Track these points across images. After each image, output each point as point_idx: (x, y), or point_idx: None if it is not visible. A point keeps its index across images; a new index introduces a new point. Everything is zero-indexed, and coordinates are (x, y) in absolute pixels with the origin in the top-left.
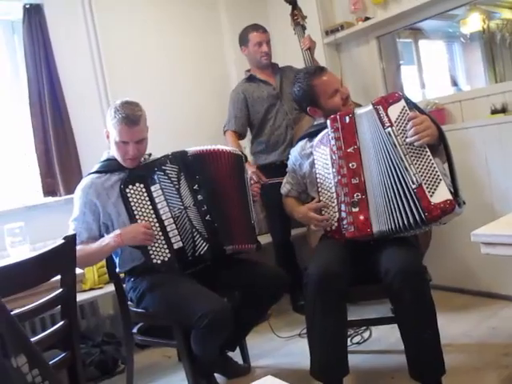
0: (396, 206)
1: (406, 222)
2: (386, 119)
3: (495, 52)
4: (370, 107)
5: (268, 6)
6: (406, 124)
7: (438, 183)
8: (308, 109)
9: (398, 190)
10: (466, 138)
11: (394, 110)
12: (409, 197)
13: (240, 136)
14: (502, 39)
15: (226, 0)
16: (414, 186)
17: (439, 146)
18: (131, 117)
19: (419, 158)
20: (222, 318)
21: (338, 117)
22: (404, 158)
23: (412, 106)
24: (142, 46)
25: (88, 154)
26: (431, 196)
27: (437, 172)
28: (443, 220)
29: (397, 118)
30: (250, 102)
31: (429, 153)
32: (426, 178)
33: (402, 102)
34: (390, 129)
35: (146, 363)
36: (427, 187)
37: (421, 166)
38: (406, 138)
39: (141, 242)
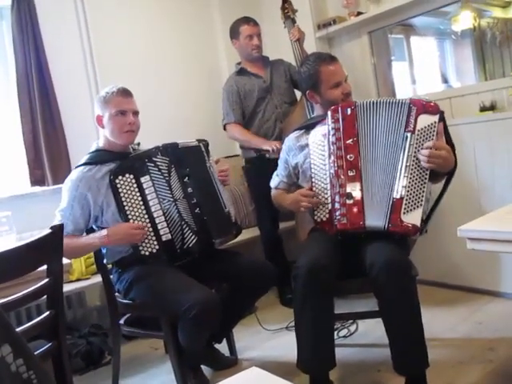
0: (376, 205)
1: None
2: (412, 123)
3: (485, 50)
4: (406, 102)
5: (260, 0)
6: (427, 139)
7: (417, 207)
8: (307, 92)
9: (383, 191)
10: (455, 134)
11: (424, 120)
12: (387, 202)
13: (240, 125)
14: (492, 37)
15: None
16: (395, 196)
17: (442, 176)
18: (126, 89)
19: (417, 175)
20: (209, 308)
21: (339, 108)
22: (404, 168)
23: (444, 127)
24: (132, 36)
25: (77, 144)
26: (404, 213)
27: (422, 197)
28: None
29: (422, 129)
30: (242, 95)
31: (427, 176)
32: (410, 197)
33: (436, 117)
34: (409, 134)
35: (133, 355)
36: (406, 204)
37: (413, 183)
38: (417, 150)
39: (127, 242)
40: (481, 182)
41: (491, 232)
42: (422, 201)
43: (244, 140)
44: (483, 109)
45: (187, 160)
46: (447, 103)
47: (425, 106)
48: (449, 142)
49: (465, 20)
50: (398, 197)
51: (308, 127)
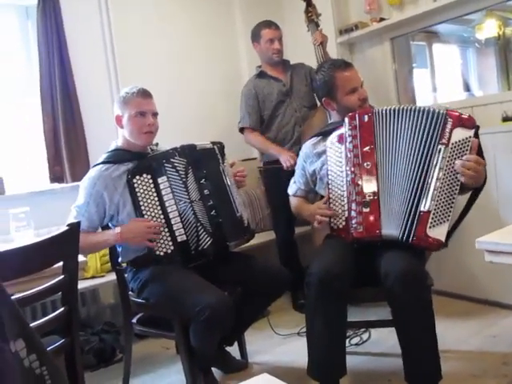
0: (398, 216)
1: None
2: (447, 135)
3: (509, 59)
4: (442, 112)
5: (283, 3)
6: (460, 153)
7: (444, 222)
8: (323, 99)
9: (408, 201)
10: None
11: (460, 133)
12: (412, 214)
13: (256, 130)
14: None
15: None
16: (422, 209)
17: (468, 191)
18: (146, 91)
19: (447, 189)
20: (222, 311)
21: (356, 115)
22: (434, 180)
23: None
24: (154, 37)
25: (96, 143)
26: (430, 228)
27: (450, 212)
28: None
29: (456, 142)
30: (261, 98)
31: (457, 192)
32: (438, 211)
33: (472, 132)
34: (443, 146)
35: (144, 353)
36: (433, 218)
37: (441, 197)
38: (449, 164)
39: (141, 242)
40: (501, 193)
41: (510, 245)
42: (449, 216)
43: (260, 147)
44: (506, 119)
45: (204, 162)
46: (469, 112)
47: (461, 119)
48: (481, 157)
49: (489, 28)
50: (426, 210)
51: (325, 134)
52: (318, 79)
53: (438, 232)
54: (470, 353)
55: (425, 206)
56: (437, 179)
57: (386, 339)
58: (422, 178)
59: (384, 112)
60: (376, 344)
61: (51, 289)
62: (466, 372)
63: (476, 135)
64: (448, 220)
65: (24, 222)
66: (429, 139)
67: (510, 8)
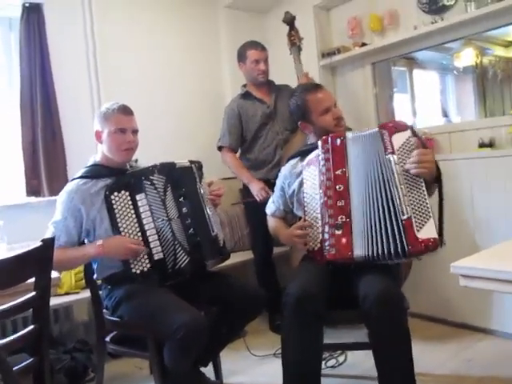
0: (380, 233)
1: (386, 251)
2: (389, 145)
3: (486, 87)
4: (376, 130)
5: (267, 25)
6: (408, 155)
7: (427, 220)
8: (299, 123)
9: (385, 217)
10: (453, 169)
11: (399, 138)
12: (395, 227)
13: (234, 151)
14: (493, 75)
15: (226, 15)
16: (403, 217)
17: (432, 184)
18: (127, 107)
19: (414, 190)
20: (197, 331)
21: (329, 138)
22: (399, 188)
23: (419, 138)
24: (138, 55)
25: (76, 157)
26: (418, 231)
27: (428, 208)
28: (421, 256)
29: (400, 147)
30: (244, 119)
31: (424, 187)
32: (417, 212)
33: (408, 132)
34: (391, 156)
35: (117, 373)
36: (416, 221)
37: (414, 199)
38: (404, 168)
39: (122, 257)
40: (476, 218)
41: (484, 270)
42: (429, 212)
43: (233, 170)
44: (482, 145)
45: (183, 180)
46: (447, 138)
47: (394, 126)
48: None
49: (467, 57)
50: (406, 217)
51: (303, 154)
52: (291, 104)
53: (427, 231)
54: (446, 377)
55: (403, 214)
56: (401, 185)
57: (362, 362)
58: (389, 191)
59: (350, 137)
60: (352, 367)
61: (21, 306)
62: None
63: (414, 134)
64: (430, 217)
65: None
66: (378, 155)
67: (488, 38)
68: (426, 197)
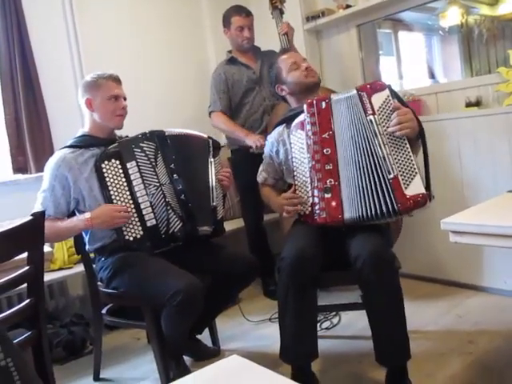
0: (369, 194)
1: (377, 211)
2: (368, 106)
3: (472, 47)
4: (354, 92)
5: None
6: (389, 114)
7: (414, 176)
8: (276, 86)
9: (373, 178)
10: (441, 129)
11: (378, 99)
12: (384, 186)
13: (226, 115)
14: (479, 34)
15: None
16: (390, 176)
17: (416, 141)
18: (117, 76)
19: (398, 149)
20: (194, 294)
21: (314, 101)
22: (383, 148)
23: (396, 97)
24: (118, 24)
25: (61, 132)
26: (406, 188)
27: (413, 165)
28: (412, 212)
29: (380, 107)
30: (230, 84)
31: (408, 145)
32: (403, 170)
33: (387, 92)
34: (372, 117)
35: (115, 344)
36: (403, 179)
37: (399, 158)
38: (387, 127)
39: (111, 227)
40: (465, 176)
41: (474, 225)
42: (415, 169)
43: (227, 130)
44: (469, 104)
45: (174, 147)
46: (433, 98)
47: (371, 88)
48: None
49: (452, 16)
50: (393, 176)
51: (288, 120)
52: (271, 75)
53: (415, 187)
54: (437, 332)
55: (390, 173)
56: (384, 145)
57: (355, 322)
58: (373, 152)
59: (335, 99)
60: (346, 327)
61: (15, 281)
62: (434, 351)
63: (393, 94)
64: (417, 173)
65: None
66: (359, 116)
67: None
68: (411, 154)
